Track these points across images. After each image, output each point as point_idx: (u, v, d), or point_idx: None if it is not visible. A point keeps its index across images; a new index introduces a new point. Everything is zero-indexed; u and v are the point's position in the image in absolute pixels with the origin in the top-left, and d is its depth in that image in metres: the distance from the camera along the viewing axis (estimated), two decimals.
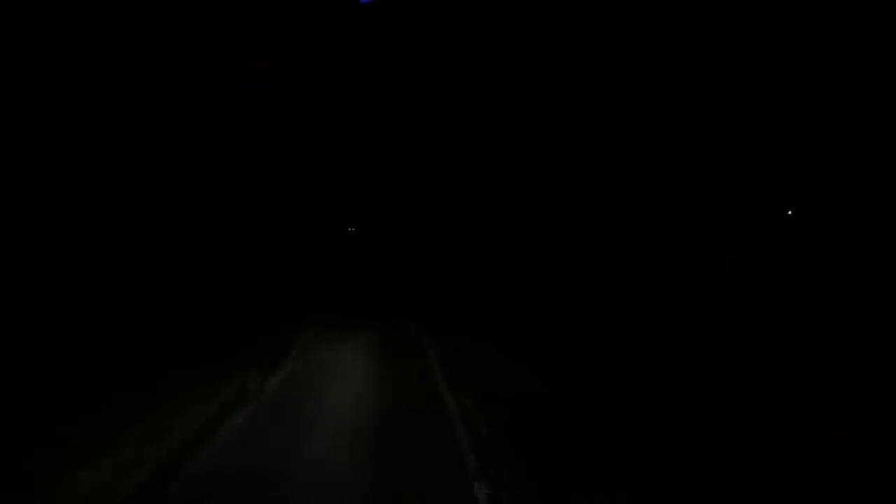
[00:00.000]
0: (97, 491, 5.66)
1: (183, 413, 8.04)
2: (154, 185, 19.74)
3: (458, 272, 30.20)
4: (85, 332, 13.20)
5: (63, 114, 16.28)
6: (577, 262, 24.80)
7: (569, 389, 10.23)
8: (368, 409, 8.92)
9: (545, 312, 19.81)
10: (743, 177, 20.53)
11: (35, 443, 6.82)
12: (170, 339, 13.77)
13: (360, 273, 36.53)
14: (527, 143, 29.50)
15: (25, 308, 13.24)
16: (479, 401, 9.32)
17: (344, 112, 31.99)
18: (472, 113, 31.63)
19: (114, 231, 17.41)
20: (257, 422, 8.21)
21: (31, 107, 15.64)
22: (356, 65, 29.39)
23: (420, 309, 22.85)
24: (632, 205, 23.93)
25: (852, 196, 17.83)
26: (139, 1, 18.76)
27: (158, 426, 7.45)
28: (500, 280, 27.12)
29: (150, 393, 9.03)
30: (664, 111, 22.82)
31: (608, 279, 21.87)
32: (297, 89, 28.60)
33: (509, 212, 30.83)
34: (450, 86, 31.09)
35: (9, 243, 14.11)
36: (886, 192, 17.41)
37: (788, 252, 17.69)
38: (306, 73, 28.22)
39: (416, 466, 6.62)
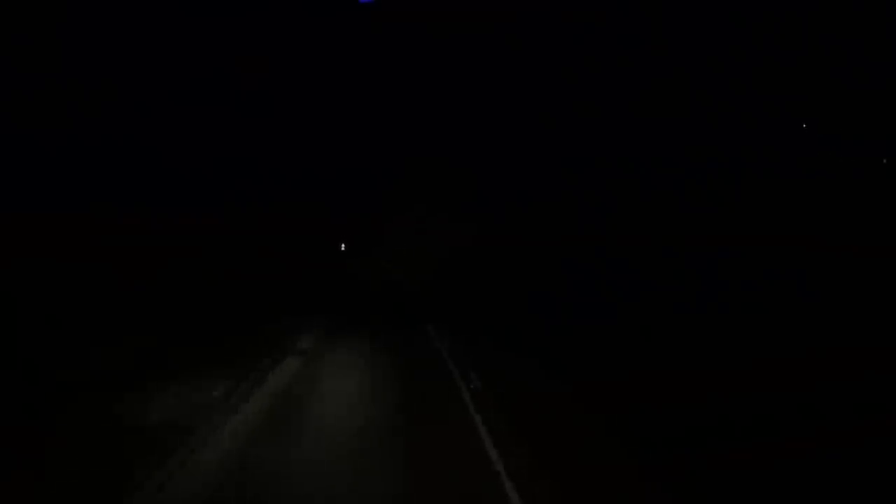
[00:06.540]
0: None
1: None
2: (154, 185, 19.75)
3: (458, 272, 30.18)
4: (91, 331, 13.22)
5: (63, 113, 16.29)
6: (579, 262, 24.78)
7: (569, 389, 10.23)
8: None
9: (546, 313, 19.81)
10: (743, 177, 20.52)
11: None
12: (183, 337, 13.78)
13: (361, 273, 36.49)
14: (527, 144, 29.50)
15: (26, 308, 13.24)
16: (483, 404, 9.31)
17: (344, 112, 32.00)
18: (473, 113, 31.63)
19: (114, 231, 17.41)
20: None
21: (32, 107, 15.65)
22: (356, 65, 29.39)
23: (421, 308, 22.87)
24: (632, 205, 23.91)
25: (852, 196, 17.82)
26: (139, 1, 18.77)
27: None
28: (501, 281, 27.11)
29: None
30: (664, 111, 22.81)
31: (609, 280, 21.85)
32: (296, 89, 28.61)
33: (510, 212, 30.80)
34: (450, 86, 31.10)
35: (9, 243, 14.12)
36: (886, 192, 17.40)
37: (788, 252, 17.67)
38: (306, 73, 28.24)
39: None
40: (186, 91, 21.34)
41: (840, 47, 18.12)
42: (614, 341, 14.64)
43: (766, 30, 19.66)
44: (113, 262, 16.85)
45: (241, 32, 22.83)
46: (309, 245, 33.55)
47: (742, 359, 11.81)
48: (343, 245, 39.27)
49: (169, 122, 20.47)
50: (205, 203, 22.52)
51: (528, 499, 5.83)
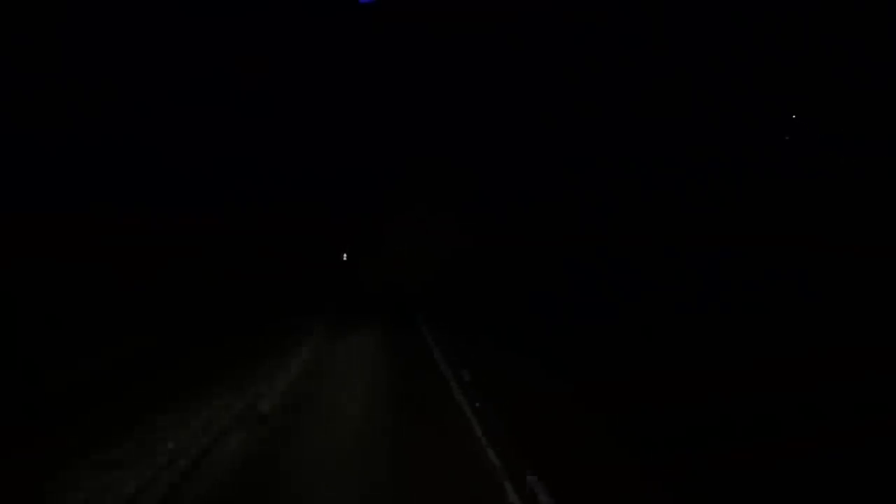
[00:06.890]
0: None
1: None
2: (154, 185, 19.73)
3: (460, 273, 30.15)
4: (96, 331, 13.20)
5: (63, 113, 16.28)
6: (580, 262, 24.74)
7: (570, 389, 10.21)
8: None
9: (547, 313, 19.77)
10: (743, 177, 20.49)
11: None
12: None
13: (361, 273, 36.49)
14: (528, 144, 29.48)
15: (26, 308, 13.23)
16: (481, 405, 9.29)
17: (344, 112, 32.01)
18: (474, 113, 31.63)
19: (114, 231, 17.39)
20: None
21: (32, 107, 15.65)
22: (357, 65, 29.40)
23: (422, 309, 22.85)
24: (633, 205, 23.88)
25: (852, 196, 17.78)
26: (139, 1, 18.77)
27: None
28: (502, 281, 27.08)
29: None
30: (665, 111, 22.78)
31: (610, 280, 21.82)
32: (297, 89, 28.61)
33: (511, 212, 30.77)
34: (450, 86, 31.11)
35: (9, 243, 14.11)
36: (886, 192, 17.36)
37: (788, 252, 17.64)
38: (306, 73, 28.24)
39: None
40: (186, 91, 21.33)
41: (841, 46, 18.09)
42: (616, 341, 14.61)
43: (768, 29, 19.63)
44: (113, 262, 16.82)
45: (241, 32, 22.82)
46: (309, 245, 33.54)
47: (743, 359, 11.78)
48: (344, 245, 39.29)
49: (169, 122, 20.44)
50: (205, 203, 22.49)
51: (528, 497, 5.80)
